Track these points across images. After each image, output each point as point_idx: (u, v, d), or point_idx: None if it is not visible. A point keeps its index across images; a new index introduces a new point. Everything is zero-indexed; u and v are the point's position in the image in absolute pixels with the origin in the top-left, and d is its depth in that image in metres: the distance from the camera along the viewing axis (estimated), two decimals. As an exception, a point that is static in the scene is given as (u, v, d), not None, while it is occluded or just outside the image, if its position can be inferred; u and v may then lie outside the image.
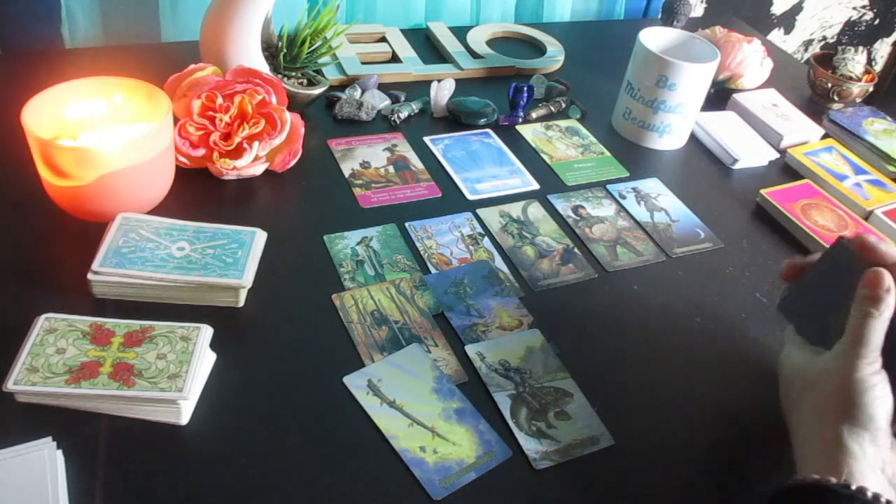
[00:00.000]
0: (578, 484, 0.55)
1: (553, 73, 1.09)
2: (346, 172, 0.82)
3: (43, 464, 0.48)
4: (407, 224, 0.76)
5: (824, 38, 1.72)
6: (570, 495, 0.54)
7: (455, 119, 0.94)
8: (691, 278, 0.76)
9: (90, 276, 0.61)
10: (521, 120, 0.96)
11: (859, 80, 1.08)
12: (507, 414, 0.59)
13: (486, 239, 0.76)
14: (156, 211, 0.70)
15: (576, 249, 0.77)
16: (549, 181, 0.87)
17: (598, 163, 0.91)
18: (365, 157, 0.85)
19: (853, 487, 0.44)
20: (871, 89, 1.09)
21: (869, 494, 0.44)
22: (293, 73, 0.87)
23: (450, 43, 1.08)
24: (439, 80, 0.95)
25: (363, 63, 1.00)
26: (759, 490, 0.50)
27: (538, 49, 1.14)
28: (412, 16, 1.14)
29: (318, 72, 0.91)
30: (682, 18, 1.16)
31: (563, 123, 0.98)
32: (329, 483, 0.52)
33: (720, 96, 1.06)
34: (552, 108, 0.98)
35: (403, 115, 0.92)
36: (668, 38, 0.97)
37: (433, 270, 0.71)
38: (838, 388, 0.48)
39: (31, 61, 0.90)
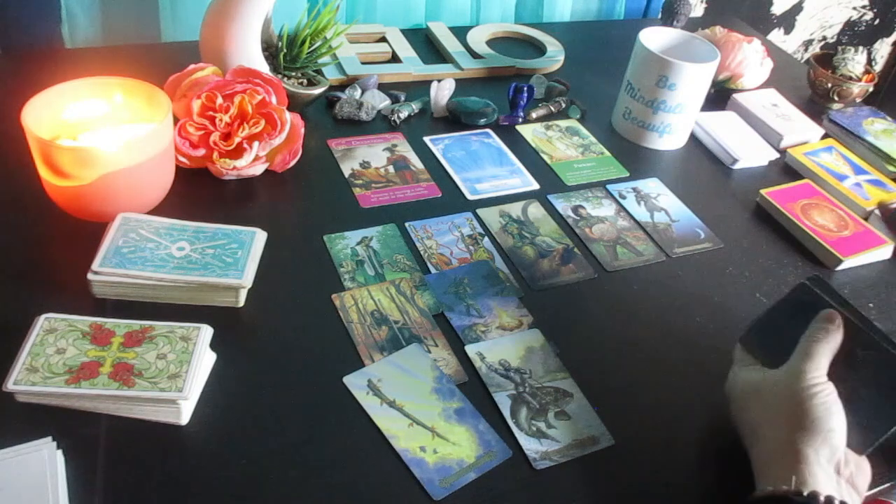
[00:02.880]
0: (578, 484, 0.55)
1: (553, 73, 1.09)
2: (346, 172, 0.82)
3: (43, 464, 0.48)
4: (407, 224, 0.76)
5: (824, 38, 1.72)
6: (570, 495, 0.54)
7: (455, 119, 0.94)
8: (691, 278, 0.76)
9: (90, 276, 0.61)
10: (521, 120, 0.96)
11: (859, 80, 1.08)
12: (507, 414, 0.59)
13: (486, 239, 0.76)
14: (156, 211, 0.70)
15: (576, 249, 0.77)
16: (549, 181, 0.87)
17: (598, 163, 0.91)
18: (365, 157, 0.85)
19: (805, 494, 0.46)
20: (871, 89, 1.09)
21: (821, 499, 0.46)
22: (293, 73, 0.87)
23: (450, 43, 1.08)
24: (439, 80, 0.95)
25: (363, 63, 1.00)
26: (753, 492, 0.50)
27: (538, 49, 1.14)
28: (412, 16, 1.14)
29: (318, 72, 0.91)
30: (682, 18, 1.16)
31: (563, 123, 0.97)
32: (329, 483, 0.52)
33: (720, 96, 1.06)
34: (552, 108, 0.98)
35: (403, 115, 0.92)
36: (668, 38, 0.97)
37: (433, 270, 0.71)
38: (788, 398, 0.51)
39: (31, 61, 0.90)
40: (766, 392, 0.54)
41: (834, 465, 0.49)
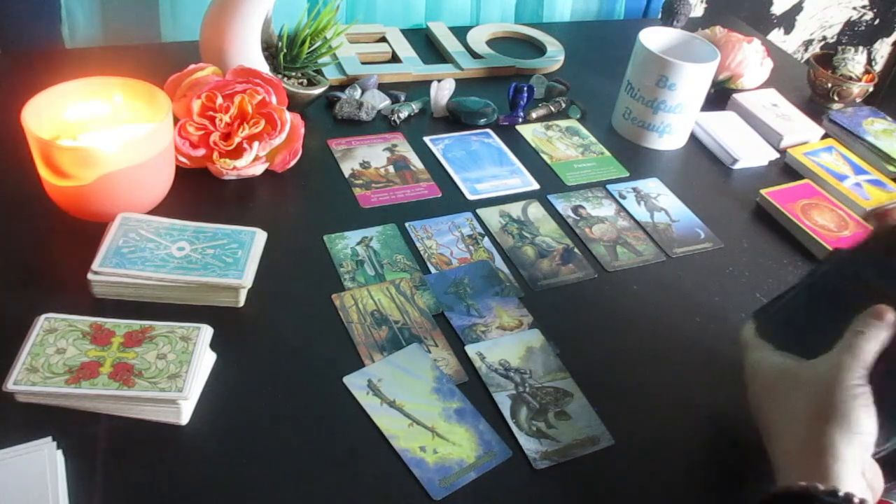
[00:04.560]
0: (578, 484, 0.55)
1: (553, 73, 1.09)
2: (346, 172, 0.82)
3: (43, 464, 0.48)
4: (407, 224, 0.76)
5: (824, 38, 1.72)
6: (570, 495, 0.54)
7: (455, 119, 0.94)
8: (691, 278, 0.76)
9: (90, 276, 0.61)
10: (521, 120, 0.96)
11: (859, 80, 1.08)
12: (507, 414, 0.59)
13: (486, 239, 0.76)
14: (156, 211, 0.70)
15: (576, 249, 0.77)
16: (549, 181, 0.87)
17: (598, 163, 0.91)
18: (365, 157, 0.85)
19: (840, 494, 0.45)
20: (871, 89, 1.09)
21: (856, 500, 0.45)
22: (293, 73, 0.87)
23: (450, 43, 1.08)
24: (439, 80, 0.95)
25: (363, 63, 1.00)
26: (759, 490, 0.50)
27: (538, 49, 1.14)
28: (412, 16, 1.14)
29: (318, 72, 0.91)
30: (682, 18, 1.16)
31: (563, 123, 0.97)
32: (329, 483, 0.52)
33: (720, 96, 1.06)
34: (552, 108, 0.98)
35: (403, 115, 0.92)
36: (668, 38, 0.97)
37: (433, 270, 0.71)
38: (828, 394, 0.50)
39: (31, 61, 0.90)
40: (803, 382, 0.51)
41: (861, 467, 0.48)
